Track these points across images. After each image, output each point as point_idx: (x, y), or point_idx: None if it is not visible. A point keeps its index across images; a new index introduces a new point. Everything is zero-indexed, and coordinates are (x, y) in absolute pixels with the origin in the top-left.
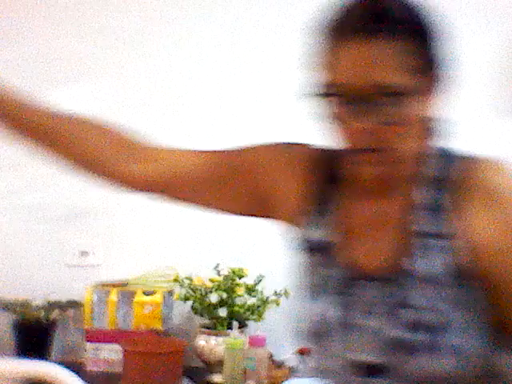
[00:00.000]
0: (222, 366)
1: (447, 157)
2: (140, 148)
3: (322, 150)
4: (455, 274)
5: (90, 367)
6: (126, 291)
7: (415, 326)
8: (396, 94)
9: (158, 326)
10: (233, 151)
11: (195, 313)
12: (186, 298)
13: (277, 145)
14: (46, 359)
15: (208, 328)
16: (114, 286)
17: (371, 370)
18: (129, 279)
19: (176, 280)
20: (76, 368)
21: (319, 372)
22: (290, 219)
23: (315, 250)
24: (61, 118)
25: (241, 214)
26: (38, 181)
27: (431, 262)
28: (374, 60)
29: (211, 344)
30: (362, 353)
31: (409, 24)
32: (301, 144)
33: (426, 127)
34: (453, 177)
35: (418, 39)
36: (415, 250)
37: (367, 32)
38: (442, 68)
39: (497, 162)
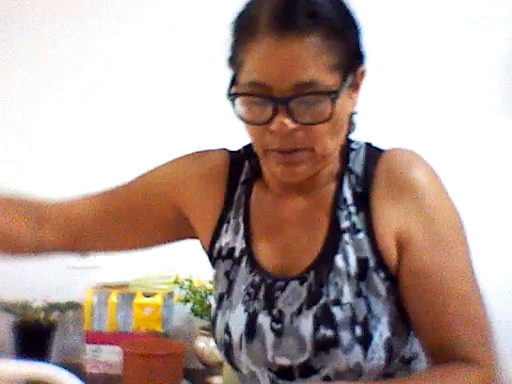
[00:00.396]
0: (222, 367)
1: (367, 151)
2: (43, 211)
3: (241, 151)
4: (379, 267)
5: (90, 369)
6: (125, 293)
7: (350, 324)
8: (317, 93)
9: (158, 328)
10: (141, 178)
11: (195, 315)
12: (186, 300)
13: (190, 156)
14: (46, 361)
15: (208, 330)
16: (114, 287)
17: (300, 372)
18: (129, 281)
19: (176, 282)
20: (76, 370)
21: (245, 379)
22: (208, 230)
23: (234, 256)
24: None
25: (169, 241)
26: None
27: (357, 258)
28: (292, 57)
29: (211, 346)
30: (291, 356)
31: (327, 19)
32: (216, 150)
33: (349, 122)
34: (371, 171)
35: (337, 34)
36: (342, 246)
37: (283, 28)
38: (363, 63)
39: (411, 154)
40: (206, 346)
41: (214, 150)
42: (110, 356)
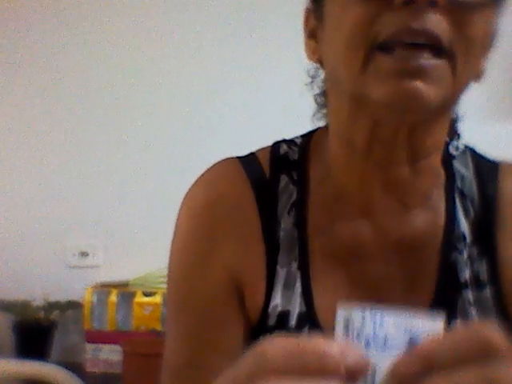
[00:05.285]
0: None
1: (476, 161)
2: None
3: (257, 158)
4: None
5: (90, 368)
6: (125, 292)
7: None
8: None
9: (158, 327)
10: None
11: None
12: None
13: (196, 204)
14: (46, 360)
15: None
16: (113, 286)
17: None
18: (129, 280)
19: None
20: (76, 369)
21: None
22: (256, 295)
23: (289, 325)
24: None
25: None
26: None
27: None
28: None
29: None
30: None
31: None
32: (220, 165)
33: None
34: (491, 192)
35: None
36: (462, 307)
37: None
38: None
39: None
40: None
41: (216, 169)
42: (110, 355)
